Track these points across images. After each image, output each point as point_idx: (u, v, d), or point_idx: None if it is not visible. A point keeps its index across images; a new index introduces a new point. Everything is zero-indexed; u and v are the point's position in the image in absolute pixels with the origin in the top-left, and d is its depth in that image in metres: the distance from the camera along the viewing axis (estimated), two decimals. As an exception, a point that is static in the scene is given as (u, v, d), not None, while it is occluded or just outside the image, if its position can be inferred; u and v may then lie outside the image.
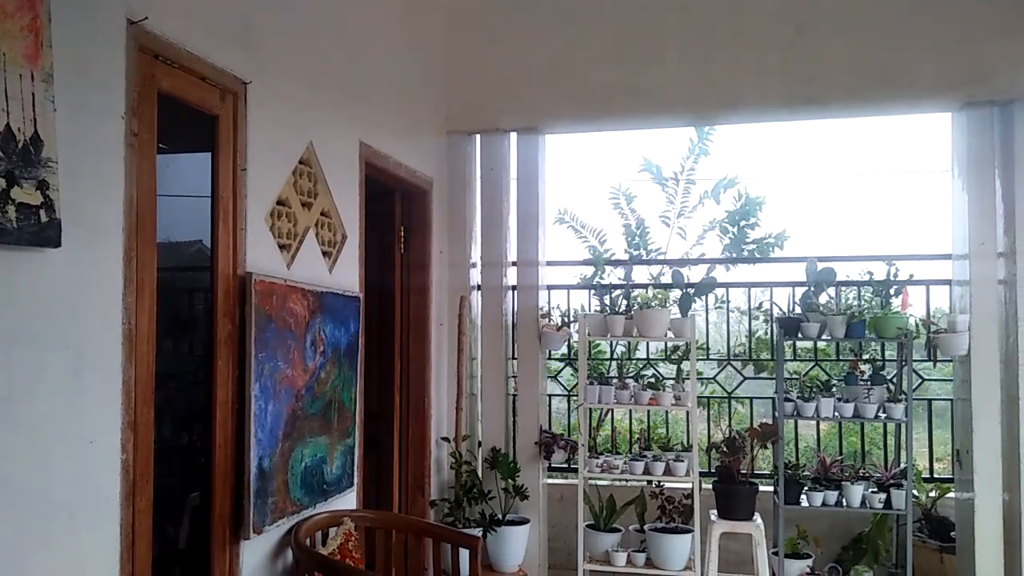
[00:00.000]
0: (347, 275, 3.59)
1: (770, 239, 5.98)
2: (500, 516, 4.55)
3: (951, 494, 4.61)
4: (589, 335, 4.74)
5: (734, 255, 6.05)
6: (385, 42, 4.13)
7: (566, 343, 5.06)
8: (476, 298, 4.97)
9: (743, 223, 6.01)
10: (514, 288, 4.97)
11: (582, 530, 4.56)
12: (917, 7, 4.34)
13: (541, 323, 4.85)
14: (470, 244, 4.92)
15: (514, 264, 4.96)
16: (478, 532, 4.27)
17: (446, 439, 4.61)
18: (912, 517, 4.25)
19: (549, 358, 5.14)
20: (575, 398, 5.17)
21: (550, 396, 5.24)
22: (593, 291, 4.90)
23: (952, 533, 4.49)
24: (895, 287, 4.41)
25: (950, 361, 4.52)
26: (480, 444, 4.86)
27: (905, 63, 4.33)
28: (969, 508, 4.16)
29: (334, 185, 3.43)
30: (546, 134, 4.93)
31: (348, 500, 3.54)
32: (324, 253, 3.38)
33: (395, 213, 4.53)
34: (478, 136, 4.96)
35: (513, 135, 4.92)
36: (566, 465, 5.08)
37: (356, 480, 3.57)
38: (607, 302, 4.79)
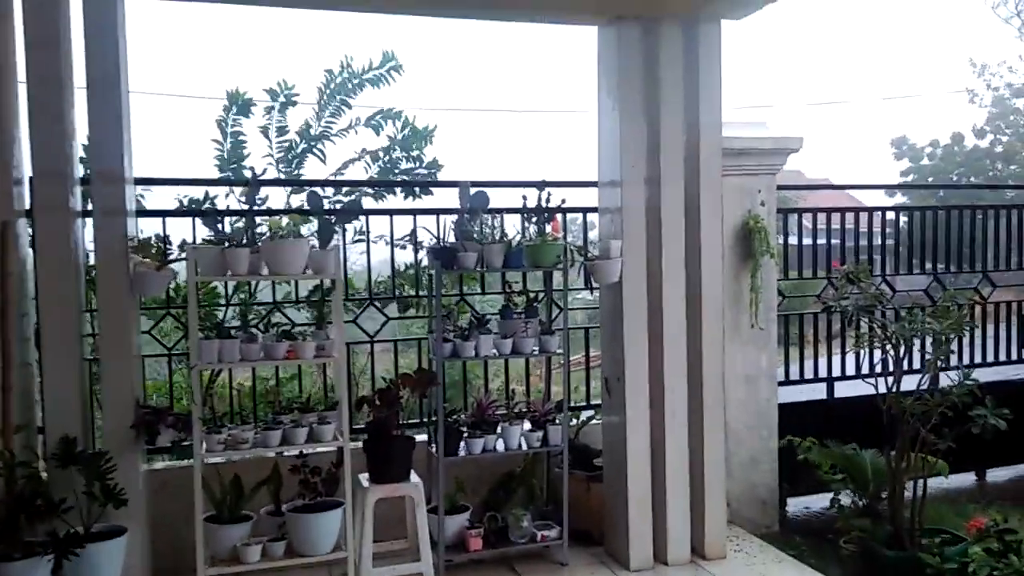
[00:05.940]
0: None
1: (422, 169, 5.41)
2: (83, 531, 3.25)
3: (595, 422, 4.63)
4: (201, 274, 3.60)
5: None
6: None
7: (167, 287, 3.83)
8: (26, 227, 3.45)
9: (403, 153, 5.36)
10: (88, 213, 3.56)
11: (201, 525, 3.53)
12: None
13: (133, 260, 3.55)
14: (13, 146, 3.35)
15: (85, 182, 3.55)
16: (49, 561, 2.97)
17: (-17, 435, 3.13)
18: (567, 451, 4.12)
19: (141, 307, 3.86)
20: (182, 359, 3.98)
21: (143, 358, 3.96)
22: (204, 218, 3.75)
23: (596, 461, 4.50)
24: (549, 214, 4.15)
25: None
26: (43, 434, 3.43)
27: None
28: (620, 434, 4.13)
29: None
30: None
31: None
32: None
33: None
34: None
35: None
36: (172, 445, 3.89)
37: None
38: (225, 231, 3.69)
